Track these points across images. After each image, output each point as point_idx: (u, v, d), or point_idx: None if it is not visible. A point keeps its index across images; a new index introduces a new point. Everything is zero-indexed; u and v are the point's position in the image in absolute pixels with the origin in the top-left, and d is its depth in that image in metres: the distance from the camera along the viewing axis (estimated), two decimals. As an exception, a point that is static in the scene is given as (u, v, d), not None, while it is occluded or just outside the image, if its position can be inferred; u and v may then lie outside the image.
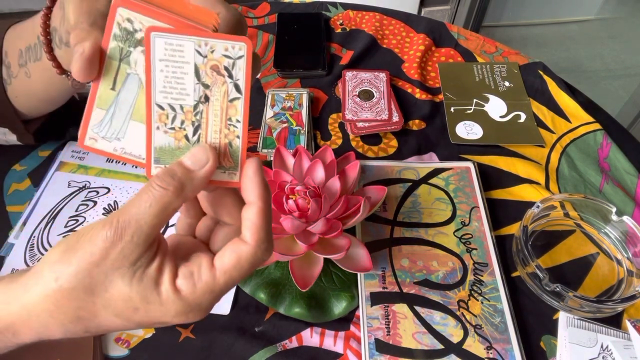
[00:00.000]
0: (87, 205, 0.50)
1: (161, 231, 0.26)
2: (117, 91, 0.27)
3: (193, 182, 0.26)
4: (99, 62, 0.27)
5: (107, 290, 0.25)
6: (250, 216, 0.26)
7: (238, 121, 0.27)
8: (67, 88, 0.43)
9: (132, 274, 0.25)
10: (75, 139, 0.54)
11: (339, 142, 0.58)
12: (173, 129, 0.27)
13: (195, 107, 0.27)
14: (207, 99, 0.27)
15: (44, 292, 0.25)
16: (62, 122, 0.52)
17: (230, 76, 0.26)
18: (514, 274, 0.47)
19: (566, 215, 0.51)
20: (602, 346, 0.42)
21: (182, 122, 0.27)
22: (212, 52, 0.26)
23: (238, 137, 0.27)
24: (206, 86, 0.27)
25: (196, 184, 0.26)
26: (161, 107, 0.27)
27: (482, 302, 0.44)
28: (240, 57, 0.26)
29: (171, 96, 0.27)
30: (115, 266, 0.24)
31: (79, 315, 0.25)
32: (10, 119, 0.48)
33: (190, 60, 0.26)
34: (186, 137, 0.27)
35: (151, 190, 0.25)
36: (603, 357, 0.41)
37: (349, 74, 0.63)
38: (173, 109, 0.27)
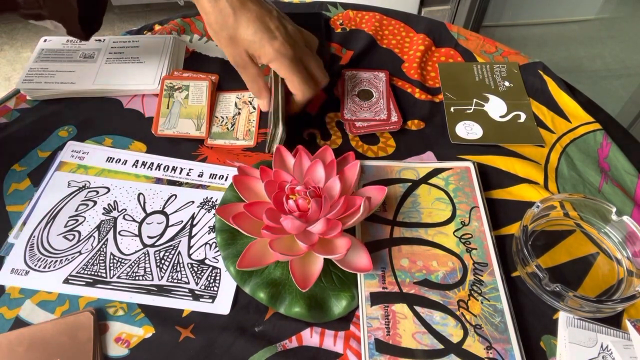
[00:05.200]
0: (87, 205, 0.50)
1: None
2: (169, 109, 0.58)
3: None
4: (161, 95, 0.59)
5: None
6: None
7: (253, 120, 0.58)
8: None
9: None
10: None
11: (339, 142, 0.58)
12: (221, 125, 0.58)
13: (233, 117, 0.59)
14: (239, 113, 0.59)
15: None
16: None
17: (251, 104, 0.60)
18: (514, 274, 0.47)
19: (566, 215, 0.51)
20: (602, 346, 0.42)
21: (226, 123, 0.58)
22: (243, 96, 0.61)
23: (253, 126, 0.58)
24: (239, 108, 0.59)
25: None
26: (216, 117, 0.58)
27: (482, 302, 0.44)
28: (254, 98, 0.60)
29: (221, 113, 0.59)
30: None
31: None
32: (70, 14, 0.54)
33: (233, 100, 0.61)
34: (227, 128, 0.57)
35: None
36: (603, 357, 0.41)
37: (348, 74, 0.63)
38: (222, 118, 0.59)
